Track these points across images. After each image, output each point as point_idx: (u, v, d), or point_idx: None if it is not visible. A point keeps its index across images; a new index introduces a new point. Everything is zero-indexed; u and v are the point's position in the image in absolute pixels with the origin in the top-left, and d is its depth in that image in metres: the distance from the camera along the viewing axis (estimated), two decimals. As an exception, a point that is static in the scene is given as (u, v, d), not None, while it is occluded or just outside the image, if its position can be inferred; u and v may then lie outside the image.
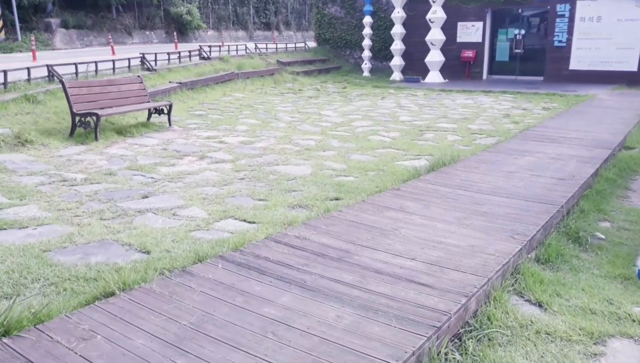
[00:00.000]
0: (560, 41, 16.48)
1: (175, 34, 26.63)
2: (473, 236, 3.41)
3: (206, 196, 4.78)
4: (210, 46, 17.67)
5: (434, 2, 17.08)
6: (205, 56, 16.67)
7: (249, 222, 4.01)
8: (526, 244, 3.27)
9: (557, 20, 16.39)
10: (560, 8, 16.25)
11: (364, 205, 4.03)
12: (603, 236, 4.01)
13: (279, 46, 22.90)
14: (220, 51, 18.41)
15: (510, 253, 3.12)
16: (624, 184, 5.50)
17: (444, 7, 17.47)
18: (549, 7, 16.55)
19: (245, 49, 20.05)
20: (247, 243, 3.30)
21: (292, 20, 42.58)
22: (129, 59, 12.45)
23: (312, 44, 25.06)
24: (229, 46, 19.33)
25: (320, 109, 11.30)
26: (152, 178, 5.41)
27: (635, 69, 15.35)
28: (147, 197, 4.73)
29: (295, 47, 23.15)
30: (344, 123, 9.36)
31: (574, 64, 16.37)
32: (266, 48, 21.18)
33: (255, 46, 20.72)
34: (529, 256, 3.33)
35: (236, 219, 4.11)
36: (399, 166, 6.01)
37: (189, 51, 15.97)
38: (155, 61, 14.06)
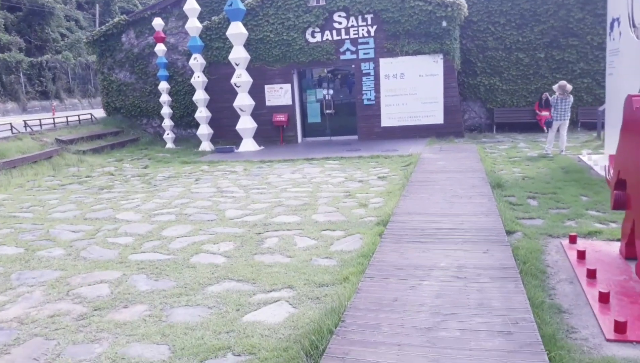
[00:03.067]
0: (369, 99, 16.24)
1: None
2: None
3: None
4: (-46, 130, 13.47)
5: (237, 65, 15.57)
6: (-53, 144, 12.50)
7: None
8: None
9: (364, 78, 16.16)
10: (365, 66, 16.06)
11: None
12: None
13: (61, 118, 19.12)
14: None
15: None
16: (553, 303, 4.12)
17: (249, 69, 16.10)
18: (353, 65, 16.28)
19: (11, 128, 16.04)
20: None
21: (76, 86, 37.85)
22: None
23: (100, 113, 21.65)
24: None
25: (116, 209, 8.54)
26: None
27: (441, 121, 15.69)
28: None
29: (79, 119, 19.58)
30: (151, 234, 6.84)
31: (385, 121, 16.23)
32: (40, 124, 17.36)
33: (25, 123, 16.78)
34: None
35: None
36: (258, 333, 3.79)
37: None
38: None
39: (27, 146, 14.66)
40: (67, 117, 19.37)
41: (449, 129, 15.60)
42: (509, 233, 5.84)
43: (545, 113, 15.85)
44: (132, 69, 20.10)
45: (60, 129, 17.68)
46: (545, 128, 14.92)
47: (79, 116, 19.84)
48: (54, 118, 18.90)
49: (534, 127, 16.37)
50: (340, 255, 5.47)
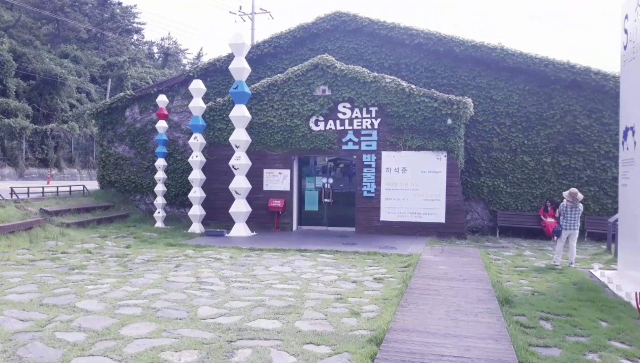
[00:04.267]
0: (369, 191, 15.70)
1: None
2: None
3: None
4: None
5: (237, 147, 15.22)
6: None
7: None
8: None
9: (365, 170, 15.73)
10: (367, 158, 15.69)
11: None
12: None
13: (52, 189, 18.57)
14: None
15: None
16: None
17: (249, 153, 15.74)
18: (355, 156, 15.92)
19: (-5, 195, 15.40)
20: None
21: (77, 156, 37.80)
22: None
23: (95, 186, 21.15)
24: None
25: (79, 294, 7.65)
26: None
27: (443, 220, 15.02)
28: None
29: (70, 190, 19.01)
30: (108, 331, 5.92)
31: (385, 215, 15.58)
32: (28, 193, 16.72)
33: (12, 190, 16.17)
34: None
35: None
36: None
37: None
38: None
39: (7, 215, 13.92)
40: (57, 187, 18.82)
41: (450, 229, 14.91)
42: (523, 365, 4.94)
43: (550, 220, 15.28)
44: (132, 143, 19.89)
45: (48, 199, 17.03)
46: (553, 236, 14.30)
47: (70, 187, 19.30)
48: (43, 188, 18.31)
49: (539, 233, 15.73)
50: (322, 381, 4.55)
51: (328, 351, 5.37)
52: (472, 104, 15.29)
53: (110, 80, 44.02)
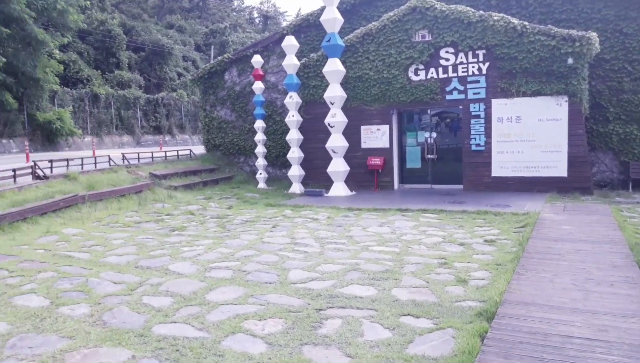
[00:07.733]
0: (478, 145, 14.36)
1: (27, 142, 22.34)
2: None
3: None
4: (51, 161, 13.67)
5: (332, 103, 14.56)
6: (41, 174, 12.61)
7: None
8: None
9: (472, 121, 14.36)
10: (474, 108, 14.28)
11: None
12: None
13: (161, 154, 19.40)
14: (82, 163, 14.78)
15: None
16: None
17: (345, 109, 15.03)
18: (461, 106, 14.57)
19: (109, 161, 16.25)
20: None
21: (187, 123, 39.56)
22: None
23: (202, 151, 21.79)
24: (81, 158, 15.40)
25: (174, 257, 7.58)
26: None
27: (565, 174, 13.35)
28: None
29: (178, 155, 19.69)
30: (195, 296, 5.68)
31: (497, 170, 14.19)
32: (138, 158, 17.50)
33: (123, 156, 16.98)
34: None
35: None
36: None
37: (13, 170, 11.82)
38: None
39: (119, 179, 14.61)
40: (165, 152, 19.55)
41: (573, 184, 13.22)
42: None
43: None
44: (232, 106, 20.04)
45: (157, 163, 17.73)
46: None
47: (177, 151, 19.99)
48: (152, 153, 19.08)
49: (684, 186, 13.48)
50: (420, 363, 3.85)
51: (429, 325, 4.64)
52: (598, 39, 13.18)
53: (212, 47, 45.21)
